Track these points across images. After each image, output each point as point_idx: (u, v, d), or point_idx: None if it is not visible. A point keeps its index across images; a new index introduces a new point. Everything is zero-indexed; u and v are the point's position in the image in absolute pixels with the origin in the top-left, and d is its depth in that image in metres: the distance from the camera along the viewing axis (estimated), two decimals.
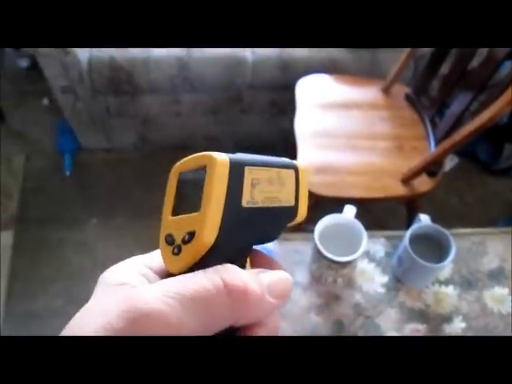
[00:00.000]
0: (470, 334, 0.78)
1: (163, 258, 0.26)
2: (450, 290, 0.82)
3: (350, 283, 0.83)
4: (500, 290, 0.82)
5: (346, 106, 1.27)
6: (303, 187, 0.28)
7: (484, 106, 0.95)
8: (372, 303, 0.81)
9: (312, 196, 1.11)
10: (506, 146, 1.60)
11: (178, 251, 0.24)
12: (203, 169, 0.24)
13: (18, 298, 1.43)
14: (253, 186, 0.25)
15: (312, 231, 0.76)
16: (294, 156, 1.17)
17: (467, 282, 0.83)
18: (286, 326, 0.79)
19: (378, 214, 1.49)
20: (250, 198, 0.25)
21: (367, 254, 0.85)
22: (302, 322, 0.79)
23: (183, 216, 0.25)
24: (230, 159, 0.24)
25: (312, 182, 1.11)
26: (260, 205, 0.25)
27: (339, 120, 1.24)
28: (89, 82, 1.43)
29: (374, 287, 0.82)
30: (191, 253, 0.24)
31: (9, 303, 1.41)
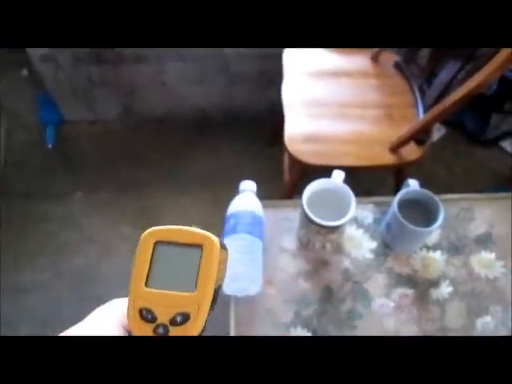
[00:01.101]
0: (456, 298, 0.79)
1: (138, 333, 0.24)
2: (437, 255, 0.83)
3: (339, 249, 0.82)
4: (487, 255, 0.83)
5: (335, 73, 1.25)
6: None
7: (471, 74, 0.94)
8: (360, 269, 0.81)
9: (301, 165, 1.10)
10: (493, 116, 1.60)
11: (164, 332, 0.23)
12: (195, 247, 0.24)
13: (4, 272, 1.41)
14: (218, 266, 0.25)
15: (300, 197, 0.75)
16: (281, 126, 1.15)
17: (455, 248, 0.84)
18: (274, 293, 0.79)
19: (366, 184, 1.49)
20: (217, 278, 0.25)
21: (355, 220, 0.85)
22: (291, 288, 0.79)
23: (167, 292, 0.24)
24: (220, 242, 0.25)
25: (301, 151, 1.10)
26: (216, 285, 0.25)
27: (328, 88, 1.22)
28: (70, 50, 1.38)
29: (362, 253, 0.82)
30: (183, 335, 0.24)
31: None
